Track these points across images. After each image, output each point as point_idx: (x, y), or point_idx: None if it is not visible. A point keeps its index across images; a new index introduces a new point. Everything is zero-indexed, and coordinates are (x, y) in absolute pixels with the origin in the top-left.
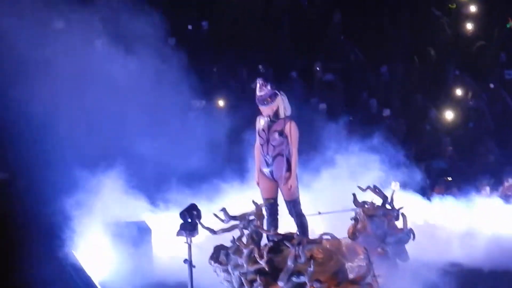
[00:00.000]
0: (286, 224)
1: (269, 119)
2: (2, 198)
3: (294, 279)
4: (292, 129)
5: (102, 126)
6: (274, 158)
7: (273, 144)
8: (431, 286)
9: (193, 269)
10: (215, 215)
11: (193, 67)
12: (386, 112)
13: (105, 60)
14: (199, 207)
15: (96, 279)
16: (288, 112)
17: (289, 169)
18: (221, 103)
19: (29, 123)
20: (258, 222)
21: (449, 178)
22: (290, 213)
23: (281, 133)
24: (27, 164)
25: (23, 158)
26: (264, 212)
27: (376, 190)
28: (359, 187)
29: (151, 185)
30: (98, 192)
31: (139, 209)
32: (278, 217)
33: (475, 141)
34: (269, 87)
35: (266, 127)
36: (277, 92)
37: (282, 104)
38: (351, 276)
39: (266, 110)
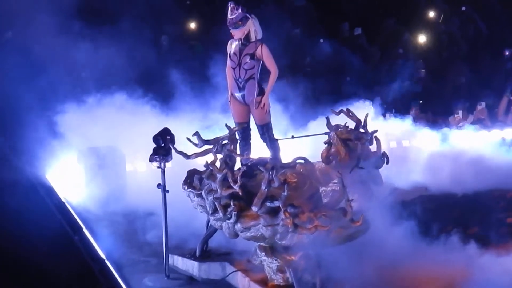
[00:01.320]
0: (259, 149)
1: (240, 42)
2: None
3: (268, 203)
4: (264, 51)
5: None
6: (246, 81)
7: (245, 68)
8: (405, 211)
9: (167, 194)
10: (189, 139)
11: None
12: (358, 32)
13: None
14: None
15: (68, 203)
16: (259, 36)
17: (260, 93)
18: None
19: None
20: (232, 146)
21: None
22: (262, 137)
23: (253, 56)
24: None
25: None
26: (237, 137)
27: (349, 113)
28: (332, 111)
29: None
30: (72, 117)
31: (113, 134)
32: (251, 141)
33: (447, 65)
34: (240, 10)
35: (237, 50)
36: (248, 15)
37: (253, 27)
38: (325, 200)
39: (238, 33)
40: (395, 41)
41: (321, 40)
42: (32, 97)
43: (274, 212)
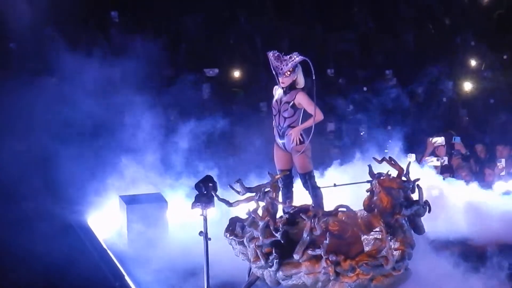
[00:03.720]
0: (301, 197)
1: (283, 89)
2: (19, 167)
3: (309, 251)
4: (301, 98)
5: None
6: (286, 129)
7: (284, 116)
8: (447, 259)
9: (209, 242)
10: (231, 186)
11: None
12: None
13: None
14: (215, 179)
15: (110, 249)
16: (302, 84)
17: (301, 141)
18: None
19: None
20: (274, 194)
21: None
22: (304, 185)
23: (292, 104)
24: (44, 135)
25: (40, 129)
26: (279, 184)
27: (391, 161)
28: (374, 159)
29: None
30: (115, 164)
31: (155, 181)
32: (293, 189)
33: (491, 111)
34: (293, 57)
35: (279, 97)
36: (298, 64)
37: (301, 75)
38: (367, 248)
39: (287, 80)
40: (437, 89)
41: (365, 88)
42: (73, 141)
43: (316, 260)
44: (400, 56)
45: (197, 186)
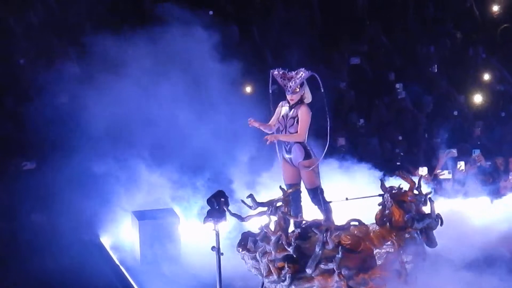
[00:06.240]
0: (312, 211)
1: (289, 105)
2: (30, 186)
3: (322, 266)
4: (300, 111)
5: (131, 114)
6: (292, 144)
7: (291, 131)
8: (459, 273)
9: (221, 256)
10: (243, 201)
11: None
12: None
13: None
14: (227, 193)
15: (123, 265)
16: (309, 99)
17: (307, 156)
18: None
19: (56, 113)
20: (286, 208)
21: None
22: (313, 200)
23: (297, 119)
24: (55, 153)
25: (51, 147)
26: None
27: (403, 175)
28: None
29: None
30: (128, 180)
31: (167, 197)
32: (301, 203)
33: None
34: (300, 74)
35: (285, 113)
36: (304, 81)
37: (308, 90)
38: (379, 262)
39: (295, 97)
40: (449, 103)
41: (377, 102)
42: (87, 159)
43: (328, 274)
44: (410, 68)
45: (209, 201)
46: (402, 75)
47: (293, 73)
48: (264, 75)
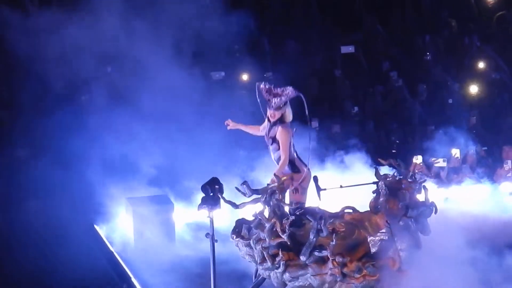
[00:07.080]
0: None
1: (269, 123)
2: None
3: (316, 253)
4: (279, 133)
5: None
6: (277, 162)
7: (271, 150)
8: (453, 259)
9: (215, 243)
10: (237, 188)
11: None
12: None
13: None
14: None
15: (117, 252)
16: (290, 119)
17: (293, 170)
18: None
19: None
20: (280, 195)
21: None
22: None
23: (275, 139)
24: (51, 140)
25: (48, 133)
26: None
27: (396, 163)
28: (380, 160)
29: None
30: (121, 166)
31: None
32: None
33: (499, 113)
34: (287, 92)
35: (267, 131)
36: (288, 101)
37: (289, 110)
38: (373, 250)
39: (277, 114)
40: (444, 91)
41: (371, 89)
42: (80, 145)
43: (322, 261)
44: (405, 59)
45: (203, 188)
46: (397, 64)
47: (280, 89)
48: (259, 66)
